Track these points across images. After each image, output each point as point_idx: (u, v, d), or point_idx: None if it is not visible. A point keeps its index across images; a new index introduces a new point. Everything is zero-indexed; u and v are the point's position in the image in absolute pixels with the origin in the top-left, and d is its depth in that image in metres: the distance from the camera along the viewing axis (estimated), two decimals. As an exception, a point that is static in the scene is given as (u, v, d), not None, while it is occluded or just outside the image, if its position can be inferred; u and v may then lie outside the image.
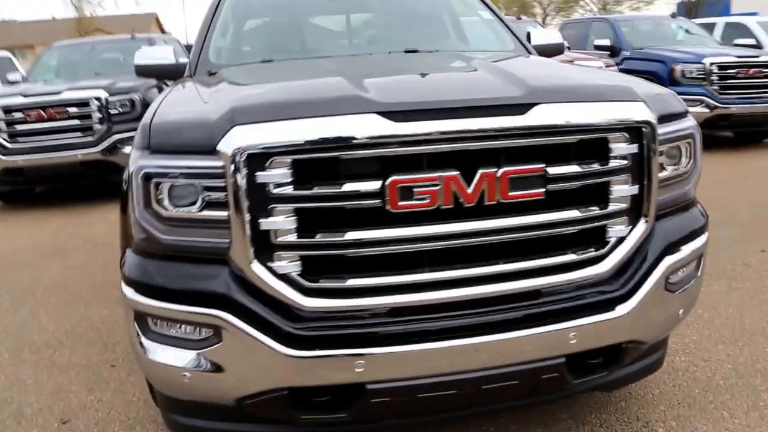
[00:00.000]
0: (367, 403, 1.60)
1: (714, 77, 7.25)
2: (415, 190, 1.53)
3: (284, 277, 1.55)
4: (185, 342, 1.63)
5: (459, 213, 1.57)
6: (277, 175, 1.50)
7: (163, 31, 37.76)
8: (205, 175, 1.55)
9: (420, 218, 1.56)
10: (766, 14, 11.69)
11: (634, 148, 1.68)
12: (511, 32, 3.12)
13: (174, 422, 1.85)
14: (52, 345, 3.07)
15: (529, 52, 3.02)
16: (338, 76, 1.84)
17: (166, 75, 3.04)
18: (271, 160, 1.50)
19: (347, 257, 1.56)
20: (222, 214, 1.55)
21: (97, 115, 6.10)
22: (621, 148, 1.67)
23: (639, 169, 1.69)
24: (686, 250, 1.87)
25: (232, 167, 1.50)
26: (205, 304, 1.57)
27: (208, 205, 1.57)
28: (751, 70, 7.27)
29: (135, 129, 1.81)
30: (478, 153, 1.57)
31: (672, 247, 1.83)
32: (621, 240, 1.72)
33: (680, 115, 1.91)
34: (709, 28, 9.84)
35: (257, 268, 1.54)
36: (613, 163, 1.67)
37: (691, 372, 2.47)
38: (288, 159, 1.50)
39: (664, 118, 1.81)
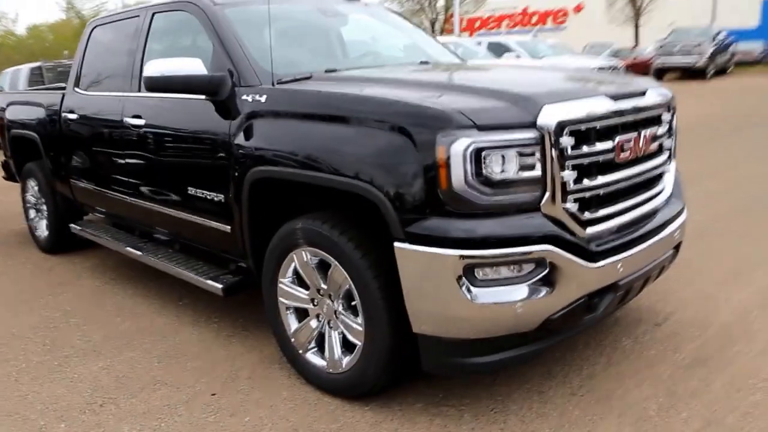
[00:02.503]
0: (615, 297, 2.48)
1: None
2: (625, 146, 2.51)
3: (572, 215, 2.31)
4: (514, 279, 2.21)
5: (635, 161, 2.60)
6: (568, 140, 2.28)
7: None
8: (523, 144, 2.20)
9: (623, 166, 2.53)
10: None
11: (669, 116, 2.98)
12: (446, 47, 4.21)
13: (468, 365, 2.33)
14: (105, 402, 2.76)
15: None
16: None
17: (195, 89, 3.02)
18: (567, 129, 2.27)
19: (599, 195, 2.42)
20: (534, 174, 2.22)
21: None
22: (667, 116, 2.95)
23: (671, 129, 3.00)
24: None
25: (553, 136, 2.21)
26: (536, 243, 2.20)
27: (522, 168, 2.21)
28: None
29: None
30: (640, 121, 2.63)
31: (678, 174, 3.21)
32: (668, 173, 3.00)
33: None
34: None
35: (562, 210, 2.27)
36: (666, 127, 2.93)
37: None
38: (571, 128, 2.29)
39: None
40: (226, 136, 2.93)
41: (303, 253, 2.66)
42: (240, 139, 2.86)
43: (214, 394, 2.79)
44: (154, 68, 2.99)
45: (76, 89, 4.33)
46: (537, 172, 2.23)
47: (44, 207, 4.91)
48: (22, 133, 4.85)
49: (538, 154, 2.22)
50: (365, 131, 2.38)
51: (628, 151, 2.53)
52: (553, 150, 2.23)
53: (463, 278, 2.18)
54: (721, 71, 23.79)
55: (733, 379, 2.71)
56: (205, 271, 3.36)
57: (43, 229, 5.00)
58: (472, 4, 38.31)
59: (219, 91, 2.99)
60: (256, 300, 3.59)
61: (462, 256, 2.16)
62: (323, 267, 2.63)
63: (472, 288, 2.19)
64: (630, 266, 2.51)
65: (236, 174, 2.88)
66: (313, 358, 2.78)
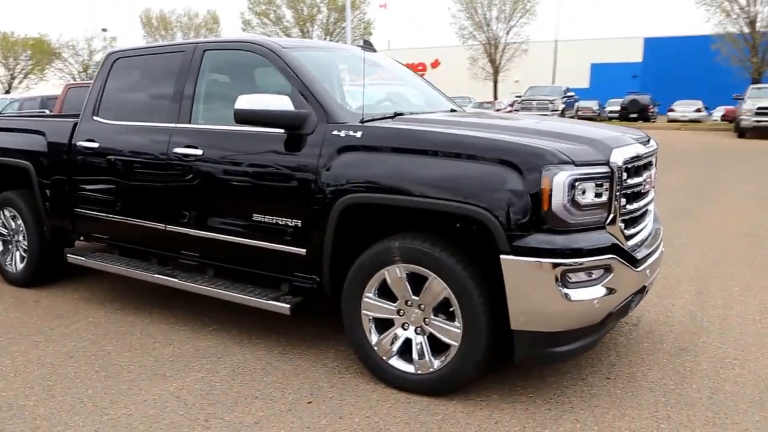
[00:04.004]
0: (640, 297, 3.18)
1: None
2: (648, 180, 3.25)
3: (622, 232, 2.97)
4: (591, 281, 2.80)
5: (647, 193, 3.34)
6: (624, 175, 2.95)
7: None
8: (598, 178, 2.82)
9: (644, 195, 3.26)
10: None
11: (655, 160, 3.80)
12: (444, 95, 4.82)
13: (554, 354, 2.86)
14: (209, 417, 2.88)
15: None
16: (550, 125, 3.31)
17: (282, 123, 3.31)
18: (626, 166, 2.94)
19: (633, 217, 3.11)
20: (603, 200, 2.84)
21: None
22: (655, 160, 3.76)
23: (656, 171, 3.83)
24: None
25: (618, 172, 2.87)
26: (606, 253, 2.81)
27: (596, 195, 2.83)
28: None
29: None
30: (649, 163, 3.39)
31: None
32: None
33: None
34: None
35: (618, 227, 2.92)
36: (655, 168, 3.74)
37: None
38: (626, 166, 2.97)
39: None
40: (314, 167, 3.24)
41: (396, 269, 3.05)
42: (330, 169, 3.19)
43: (310, 402, 3.04)
44: (246, 102, 3.27)
45: (96, 118, 4.29)
46: (605, 198, 2.86)
47: (21, 238, 4.68)
48: (6, 161, 4.62)
49: (606, 185, 2.86)
50: (476, 165, 2.85)
51: (648, 185, 3.29)
52: (619, 183, 2.89)
53: (560, 281, 2.74)
54: (571, 124, 27.47)
55: (714, 360, 3.51)
56: (258, 294, 3.57)
57: (16, 262, 4.74)
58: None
59: (303, 126, 3.32)
60: (289, 320, 3.85)
61: (560, 264, 2.72)
62: (414, 280, 3.04)
63: (565, 289, 2.75)
64: (651, 272, 3.23)
65: (322, 201, 3.19)
66: (396, 363, 3.14)
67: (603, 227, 2.88)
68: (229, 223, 3.62)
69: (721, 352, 3.61)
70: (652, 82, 43.84)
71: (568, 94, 28.72)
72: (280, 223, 3.39)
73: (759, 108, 21.70)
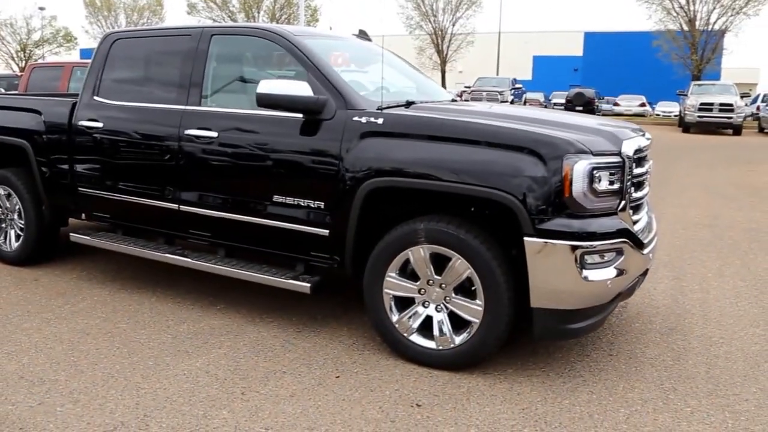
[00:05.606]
0: (641, 279, 3.41)
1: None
2: (649, 170, 3.48)
3: (630, 217, 3.19)
4: (606, 262, 3.01)
5: (645, 182, 3.58)
6: (632, 165, 3.16)
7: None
8: (612, 167, 3.03)
9: (645, 185, 3.49)
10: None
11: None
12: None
13: (570, 330, 3.06)
14: (245, 390, 2.96)
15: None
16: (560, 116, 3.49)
17: (302, 108, 3.39)
18: (635, 156, 3.15)
19: (638, 204, 3.33)
20: (616, 187, 3.05)
21: None
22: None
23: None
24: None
25: (628, 161, 3.07)
26: (619, 237, 3.02)
27: (610, 183, 3.03)
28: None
29: None
30: (647, 154, 3.62)
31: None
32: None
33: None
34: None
35: (627, 213, 3.13)
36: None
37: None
38: (634, 156, 3.18)
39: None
40: (336, 152, 3.35)
41: (421, 249, 3.18)
42: (352, 154, 3.30)
43: (338, 377, 3.15)
44: (268, 87, 3.34)
45: (98, 98, 4.25)
46: (617, 186, 3.07)
47: (15, 216, 4.61)
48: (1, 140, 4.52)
49: (619, 174, 3.07)
50: (501, 153, 3.02)
51: (649, 175, 3.52)
52: (629, 171, 3.10)
53: (579, 262, 2.93)
54: (520, 115, 28.39)
55: (702, 339, 3.79)
56: (275, 273, 3.64)
57: (11, 240, 4.65)
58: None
59: (323, 111, 3.40)
60: (296, 299, 3.94)
61: (580, 246, 2.92)
62: (436, 261, 3.17)
63: (584, 270, 2.94)
64: (652, 256, 3.46)
65: (346, 184, 3.30)
66: (417, 339, 3.28)
67: (615, 213, 3.09)
68: (247, 204, 3.68)
69: (707, 332, 3.90)
70: (593, 76, 45.10)
71: (516, 85, 29.36)
72: (302, 204, 3.47)
73: (702, 104, 22.73)
